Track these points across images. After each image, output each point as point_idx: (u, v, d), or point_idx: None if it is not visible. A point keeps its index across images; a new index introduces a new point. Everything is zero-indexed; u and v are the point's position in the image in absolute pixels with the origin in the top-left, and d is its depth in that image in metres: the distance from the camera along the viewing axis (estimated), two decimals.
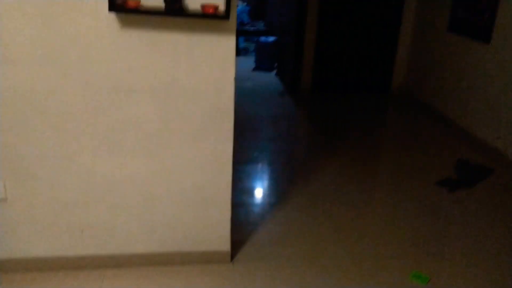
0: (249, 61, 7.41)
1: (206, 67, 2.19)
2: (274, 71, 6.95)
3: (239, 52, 7.81)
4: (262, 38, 7.22)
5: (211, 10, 2.03)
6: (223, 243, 2.57)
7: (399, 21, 5.96)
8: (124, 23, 2.05)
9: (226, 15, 2.02)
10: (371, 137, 4.84)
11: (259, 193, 3.53)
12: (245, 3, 9.05)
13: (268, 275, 2.54)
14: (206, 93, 2.24)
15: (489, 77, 4.41)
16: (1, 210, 2.29)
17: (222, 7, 2.06)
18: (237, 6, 2.08)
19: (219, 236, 2.55)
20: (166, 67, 2.16)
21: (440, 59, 5.32)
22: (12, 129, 2.16)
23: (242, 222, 3.03)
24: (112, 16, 2.03)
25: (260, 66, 7.08)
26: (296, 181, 3.63)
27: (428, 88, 5.60)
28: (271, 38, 7.24)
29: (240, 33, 7.95)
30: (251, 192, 3.49)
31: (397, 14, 5.93)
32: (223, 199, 2.47)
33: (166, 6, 2.00)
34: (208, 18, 2.06)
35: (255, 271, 2.57)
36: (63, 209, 2.34)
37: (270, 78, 6.73)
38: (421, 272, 2.62)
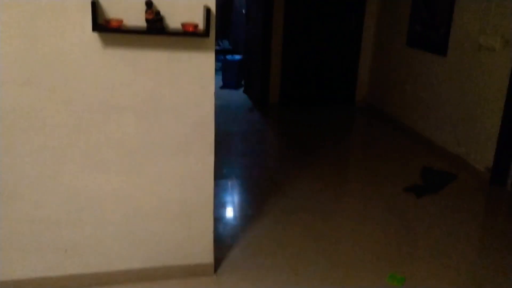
0: (216, 79, 7.49)
1: (187, 83, 2.26)
2: (242, 88, 7.08)
3: None
4: (229, 57, 7.35)
5: (191, 29, 2.11)
6: (207, 256, 2.61)
7: (360, 37, 6.22)
8: (107, 42, 2.11)
9: (206, 33, 2.11)
10: (339, 147, 5.00)
11: (236, 206, 3.59)
12: None
13: (252, 285, 2.60)
14: (187, 108, 2.31)
15: (447, 87, 4.67)
16: None
17: (201, 26, 2.15)
18: None
19: (202, 249, 2.59)
20: (147, 84, 2.22)
21: (400, 72, 5.58)
22: None
23: (222, 235, 3.08)
24: (95, 35, 2.09)
25: (227, 84, 7.19)
26: (271, 194, 3.72)
27: (390, 100, 5.84)
28: (237, 57, 7.37)
29: None
30: (228, 206, 3.55)
31: (358, 30, 6.20)
32: (206, 211, 2.52)
33: (148, 25, 2.07)
34: (188, 36, 2.14)
35: (239, 281, 2.62)
36: (46, 229, 2.34)
37: (238, 95, 6.85)
38: (396, 274, 2.74)
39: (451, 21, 4.54)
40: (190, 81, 2.26)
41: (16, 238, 2.32)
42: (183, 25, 2.11)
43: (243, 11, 6.84)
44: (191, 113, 2.32)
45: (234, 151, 4.71)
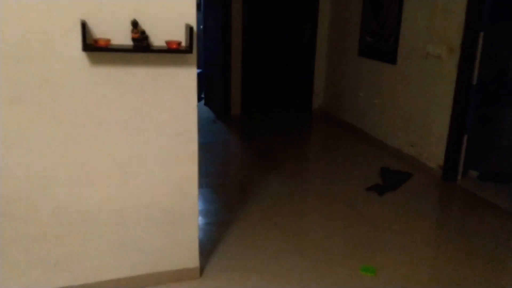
0: None
1: (171, 96, 2.40)
2: (202, 101, 7.22)
3: None
4: None
5: (174, 46, 2.26)
6: (192, 260, 2.74)
7: (314, 49, 6.55)
8: (94, 61, 2.22)
9: (189, 50, 2.27)
10: (300, 153, 5.25)
11: (211, 213, 3.72)
12: None
13: (237, 285, 2.74)
14: (171, 120, 2.44)
15: (398, 93, 5.03)
16: None
17: (184, 42, 2.31)
18: None
19: (188, 254, 2.71)
20: (134, 99, 2.34)
21: (353, 80, 5.91)
22: None
23: (202, 241, 3.20)
24: (83, 54, 2.19)
25: None
26: (242, 199, 3.88)
27: (345, 107, 6.17)
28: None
29: None
30: (204, 214, 3.68)
31: (312, 42, 6.52)
32: (191, 217, 2.65)
33: (134, 44, 2.21)
34: (172, 53, 2.28)
35: (224, 283, 2.76)
36: (35, 244, 2.39)
37: (199, 108, 6.96)
38: (368, 265, 2.96)
39: (399, 32, 4.91)
40: (174, 95, 2.40)
41: (5, 254, 2.35)
42: (167, 42, 2.26)
43: (200, 26, 7.00)
44: (175, 125, 2.46)
45: (201, 162, 4.83)
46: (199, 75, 7.28)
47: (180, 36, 2.32)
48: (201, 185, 4.18)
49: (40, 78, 2.17)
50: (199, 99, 7.31)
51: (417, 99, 4.73)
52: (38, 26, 2.11)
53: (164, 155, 2.48)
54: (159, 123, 2.42)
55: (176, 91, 2.40)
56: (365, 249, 3.19)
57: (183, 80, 2.39)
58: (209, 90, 7.00)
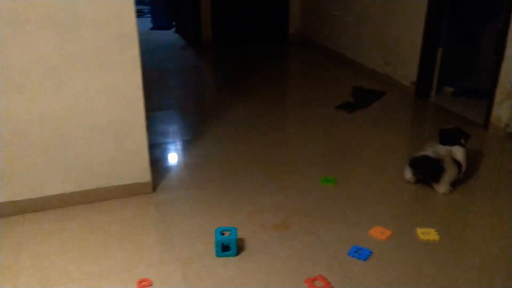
0: (146, 22, 7.27)
1: None
2: (173, 29, 6.91)
3: None
4: None
5: None
6: (144, 175, 2.62)
7: None
8: None
9: None
10: (273, 78, 5.05)
11: (173, 133, 3.59)
12: None
13: (190, 198, 2.65)
14: (107, 21, 2.24)
15: (373, 11, 4.78)
16: None
17: None
18: None
19: (138, 168, 2.59)
20: None
21: (329, 0, 5.62)
22: None
23: (160, 158, 3.09)
24: None
25: (157, 25, 6.99)
26: (208, 121, 3.73)
27: (321, 30, 5.91)
28: None
29: None
30: (165, 134, 3.54)
31: None
32: (138, 129, 2.51)
33: None
34: None
35: (177, 196, 2.66)
36: None
37: (170, 35, 6.70)
38: (329, 176, 2.87)
39: None
40: None
41: None
42: None
43: None
44: (112, 26, 2.25)
45: (170, 85, 4.65)
46: (168, 2, 6.94)
47: None
48: (164, 107, 4.03)
49: None
50: (171, 26, 7.01)
51: (390, 14, 4.50)
52: None
53: (101, 60, 2.29)
54: (93, 23, 2.22)
55: None
56: (329, 162, 3.10)
57: None
58: (179, 17, 6.68)
